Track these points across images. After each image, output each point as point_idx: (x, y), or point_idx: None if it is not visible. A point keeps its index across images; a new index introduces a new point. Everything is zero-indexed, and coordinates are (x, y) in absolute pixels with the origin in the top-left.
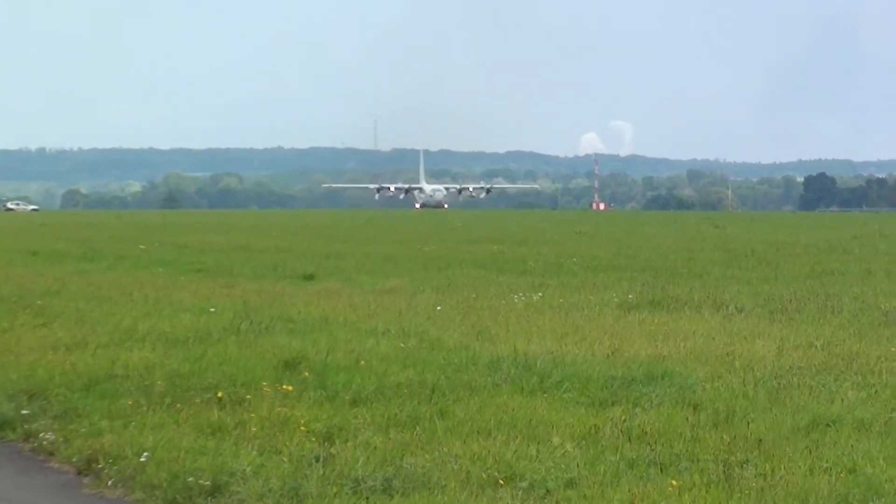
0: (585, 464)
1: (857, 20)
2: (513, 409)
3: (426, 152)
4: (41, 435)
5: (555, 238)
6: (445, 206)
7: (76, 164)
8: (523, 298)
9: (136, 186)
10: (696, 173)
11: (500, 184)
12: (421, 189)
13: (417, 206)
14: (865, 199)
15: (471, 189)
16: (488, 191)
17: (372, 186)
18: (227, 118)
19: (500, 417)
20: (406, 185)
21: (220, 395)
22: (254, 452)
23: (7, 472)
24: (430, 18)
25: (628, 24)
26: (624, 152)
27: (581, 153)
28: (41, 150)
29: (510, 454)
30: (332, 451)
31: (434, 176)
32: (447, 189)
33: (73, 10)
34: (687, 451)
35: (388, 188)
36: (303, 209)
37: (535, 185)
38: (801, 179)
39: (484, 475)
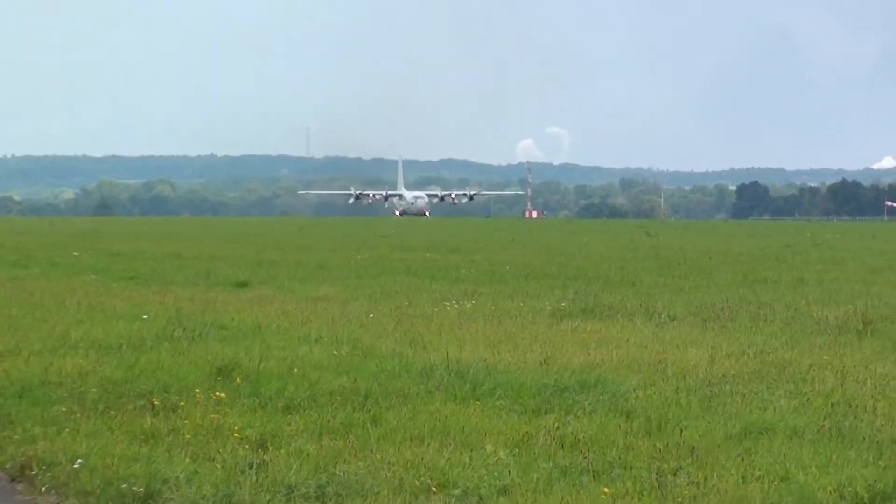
0: (518, 471)
1: (791, 30)
2: (446, 417)
3: (359, 161)
4: None
5: (488, 246)
6: (427, 213)
7: (9, 171)
8: (456, 306)
9: (69, 193)
10: (629, 182)
11: (438, 190)
12: (401, 196)
13: (397, 213)
14: (798, 208)
15: (453, 196)
16: (471, 197)
17: (350, 193)
18: (161, 126)
19: (433, 425)
20: (385, 192)
21: (153, 402)
22: (187, 459)
23: None
24: (362, 27)
25: (561, 33)
26: (560, 160)
27: (516, 161)
28: None
29: (443, 461)
30: (266, 458)
31: (367, 184)
32: (429, 196)
33: (4, 15)
34: (619, 458)
35: (368, 195)
36: (236, 216)
37: (520, 191)
38: (733, 188)
39: (417, 482)
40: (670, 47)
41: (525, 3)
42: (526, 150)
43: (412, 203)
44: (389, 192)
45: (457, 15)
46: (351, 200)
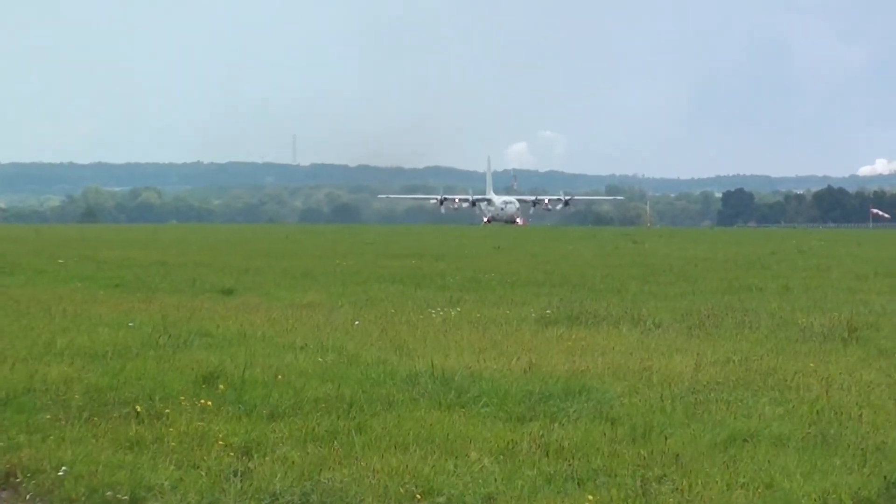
0: (503, 479)
1: (776, 38)
2: (430, 424)
3: (345, 168)
4: None
5: (473, 253)
6: (518, 220)
7: None
8: (441, 313)
9: (55, 201)
10: (615, 189)
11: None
12: (490, 201)
13: (485, 220)
14: (783, 215)
15: (546, 201)
16: (566, 203)
17: (435, 197)
18: (146, 133)
19: (417, 432)
20: (472, 197)
21: (138, 409)
22: (172, 467)
23: None
24: (347, 34)
25: (546, 41)
26: (548, 166)
27: (501, 168)
28: None
29: (428, 469)
30: (250, 465)
31: (352, 192)
32: (520, 201)
33: None
34: (604, 466)
35: (453, 200)
36: (222, 223)
37: (620, 197)
38: (719, 195)
39: (402, 490)
40: (655, 55)
41: (510, 10)
42: (517, 155)
43: (502, 209)
44: (477, 197)
45: (441, 27)
46: (442, 209)
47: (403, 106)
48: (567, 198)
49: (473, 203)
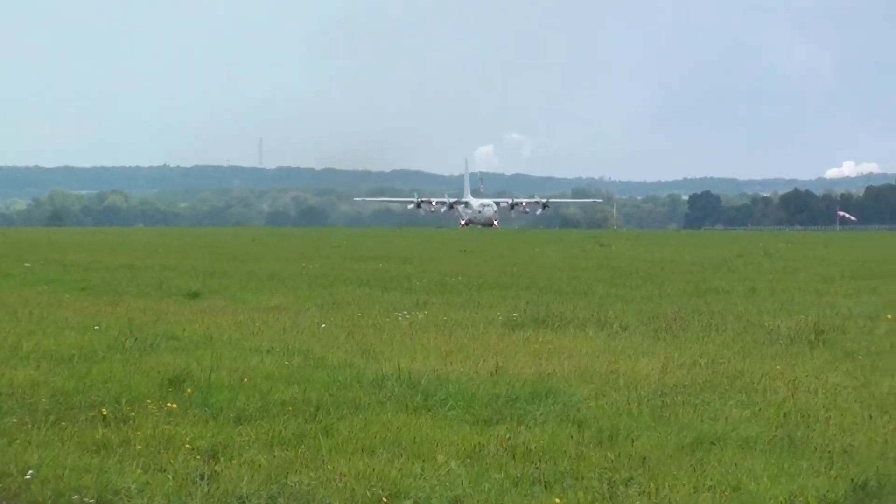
0: (470, 482)
1: (744, 41)
2: (397, 427)
3: (311, 171)
4: None
5: (440, 256)
6: (496, 222)
7: None
8: (408, 316)
9: (21, 204)
10: (581, 192)
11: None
12: (467, 204)
13: (462, 223)
14: (750, 218)
15: (524, 204)
16: (545, 206)
17: (413, 200)
18: (113, 136)
19: (384, 435)
20: (450, 199)
21: (104, 412)
22: (138, 470)
23: None
24: (312, 36)
25: (513, 44)
26: (515, 169)
27: (468, 172)
28: None
29: (395, 472)
30: (217, 468)
31: (318, 195)
32: (498, 204)
33: None
34: (571, 469)
35: (430, 202)
36: (188, 227)
37: (598, 199)
38: (686, 198)
39: (368, 493)
40: (622, 59)
41: (476, 14)
42: (484, 157)
43: (479, 212)
44: (454, 200)
45: (408, 29)
46: (410, 206)
47: (369, 109)
48: (545, 200)
49: (451, 206)
